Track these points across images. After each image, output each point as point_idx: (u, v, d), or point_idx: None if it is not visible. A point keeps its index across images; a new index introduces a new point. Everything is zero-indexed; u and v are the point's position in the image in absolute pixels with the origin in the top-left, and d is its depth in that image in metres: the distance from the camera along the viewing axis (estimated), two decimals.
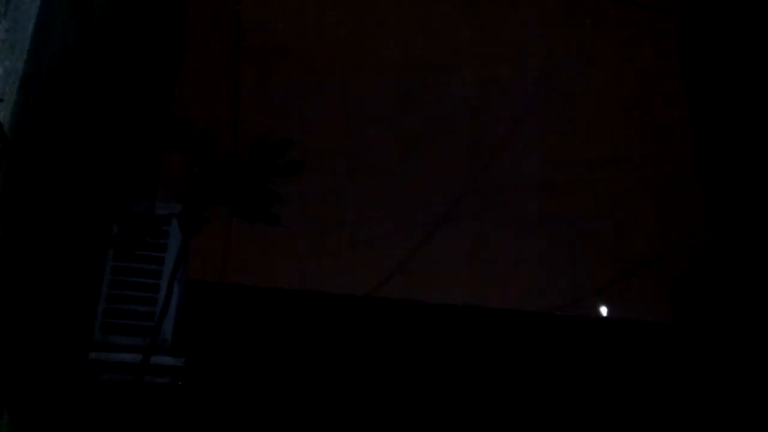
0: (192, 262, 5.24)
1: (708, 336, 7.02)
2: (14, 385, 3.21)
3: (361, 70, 10.76)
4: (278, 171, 3.79)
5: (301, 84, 10.51)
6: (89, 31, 4.05)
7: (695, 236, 7.86)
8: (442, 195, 10.19)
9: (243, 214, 3.82)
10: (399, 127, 10.94)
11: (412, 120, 10.94)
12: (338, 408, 6.31)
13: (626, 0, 9.67)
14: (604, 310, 9.27)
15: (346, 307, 7.06)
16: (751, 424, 6.23)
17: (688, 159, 8.21)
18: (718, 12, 7.85)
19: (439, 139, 10.98)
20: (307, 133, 9.78)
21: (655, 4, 9.23)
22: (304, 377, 6.40)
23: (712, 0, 7.96)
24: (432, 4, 11.02)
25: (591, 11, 10.41)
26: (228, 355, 6.27)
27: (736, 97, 7.45)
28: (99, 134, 4.53)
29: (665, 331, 7.44)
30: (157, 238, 4.39)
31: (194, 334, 5.36)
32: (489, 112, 10.92)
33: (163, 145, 5.66)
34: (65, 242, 3.91)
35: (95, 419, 4.10)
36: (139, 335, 4.27)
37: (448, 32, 11.14)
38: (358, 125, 10.70)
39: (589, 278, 9.68)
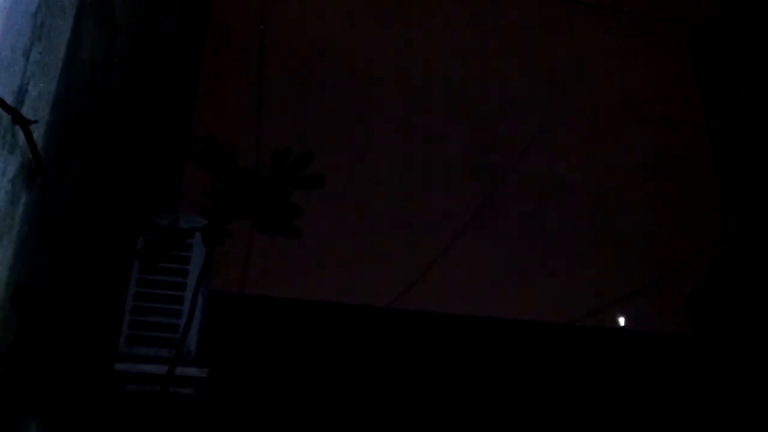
0: (213, 274, 5.29)
1: (726, 347, 7.00)
2: (43, 396, 3.28)
3: (381, 81, 10.85)
4: (298, 185, 3.86)
5: (320, 96, 10.62)
6: (114, 49, 4.15)
7: (713, 249, 7.84)
8: (461, 207, 10.23)
9: (264, 227, 3.88)
10: (419, 138, 11.02)
11: (431, 131, 11.02)
12: (357, 416, 6.35)
13: (644, 13, 9.70)
14: (622, 321, 9.24)
15: (364, 318, 7.10)
16: None
17: (708, 172, 8.21)
18: (732, 24, 7.85)
19: (458, 150, 11.04)
20: (327, 145, 9.87)
21: (672, 17, 9.26)
22: (325, 386, 6.45)
23: (724, 12, 7.97)
24: (454, 16, 11.11)
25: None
26: (251, 366, 6.32)
27: (754, 108, 7.43)
28: (123, 149, 4.63)
29: (684, 342, 7.44)
30: (180, 251, 4.45)
31: (218, 345, 5.42)
32: (509, 123, 10.97)
33: (185, 160, 5.74)
34: (92, 255, 3.99)
35: (121, 429, 4.16)
36: (163, 346, 4.32)
37: (467, 43, 11.21)
38: (377, 137, 10.79)
39: (608, 290, 9.65)
